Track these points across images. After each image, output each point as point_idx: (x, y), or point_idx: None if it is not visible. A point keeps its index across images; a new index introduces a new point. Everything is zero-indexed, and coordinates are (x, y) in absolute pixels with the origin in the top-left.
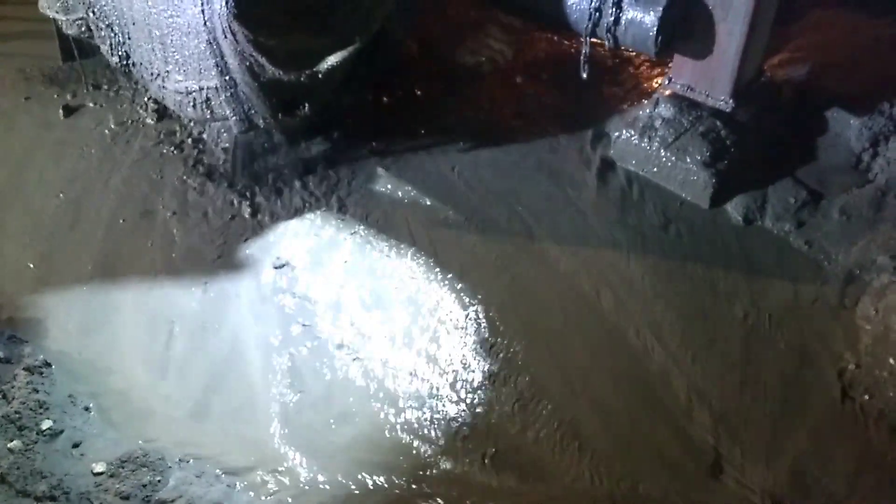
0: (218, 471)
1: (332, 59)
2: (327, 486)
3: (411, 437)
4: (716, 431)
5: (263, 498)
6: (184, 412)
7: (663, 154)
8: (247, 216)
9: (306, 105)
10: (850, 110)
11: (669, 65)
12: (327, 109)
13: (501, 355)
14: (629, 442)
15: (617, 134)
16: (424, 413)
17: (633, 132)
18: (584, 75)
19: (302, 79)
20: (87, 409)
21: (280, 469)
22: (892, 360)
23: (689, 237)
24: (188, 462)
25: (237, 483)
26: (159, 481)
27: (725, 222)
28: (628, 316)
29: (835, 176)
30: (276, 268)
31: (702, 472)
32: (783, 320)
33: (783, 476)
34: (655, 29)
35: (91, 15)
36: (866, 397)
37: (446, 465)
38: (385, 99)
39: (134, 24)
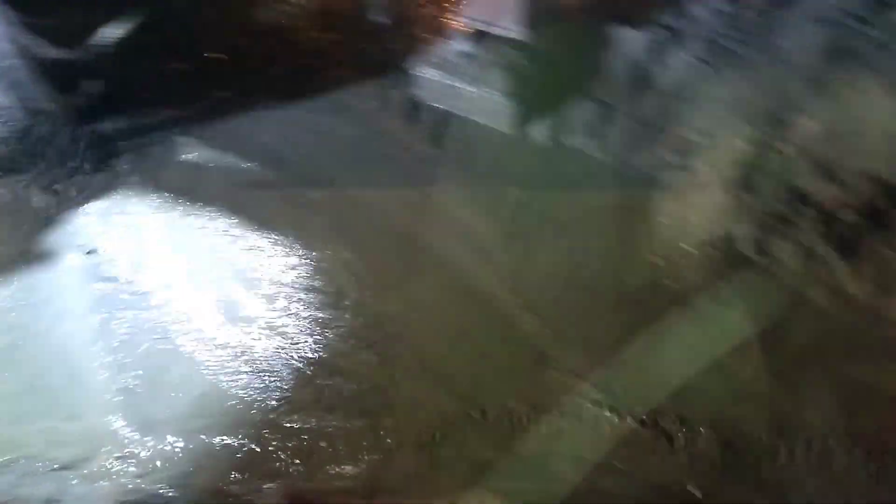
0: (55, 466)
1: (109, 32)
2: (171, 460)
3: (252, 393)
4: (542, 333)
5: (104, 484)
6: (6, 416)
7: (469, 88)
8: (43, 205)
9: (91, 82)
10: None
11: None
12: (116, 84)
13: (342, 301)
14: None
15: (421, 74)
16: (262, 367)
17: (437, 70)
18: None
19: (81, 55)
20: None
21: (118, 454)
22: (685, 246)
23: (501, 161)
24: (19, 462)
25: (72, 476)
26: None
27: (531, 144)
28: (453, 241)
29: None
30: (86, 254)
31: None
32: (592, 224)
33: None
34: None
35: None
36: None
37: (294, 416)
38: (179, 67)
39: None
